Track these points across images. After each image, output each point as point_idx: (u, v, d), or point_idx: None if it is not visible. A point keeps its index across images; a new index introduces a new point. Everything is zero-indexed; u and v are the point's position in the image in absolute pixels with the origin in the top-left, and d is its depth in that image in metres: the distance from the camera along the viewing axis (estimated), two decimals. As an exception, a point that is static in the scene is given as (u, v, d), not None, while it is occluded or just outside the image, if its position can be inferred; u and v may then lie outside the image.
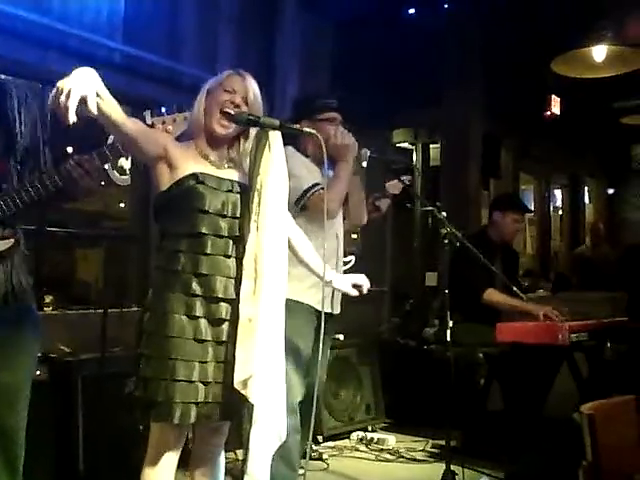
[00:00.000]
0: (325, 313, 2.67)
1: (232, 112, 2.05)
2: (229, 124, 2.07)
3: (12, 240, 2.02)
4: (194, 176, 2.00)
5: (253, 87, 2.12)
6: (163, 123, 2.09)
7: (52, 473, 2.79)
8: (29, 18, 3.54)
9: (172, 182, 2.01)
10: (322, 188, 2.51)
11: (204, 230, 1.97)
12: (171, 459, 2.03)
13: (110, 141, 2.04)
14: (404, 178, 3.28)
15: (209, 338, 1.96)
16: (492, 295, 3.76)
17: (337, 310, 2.75)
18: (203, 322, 1.96)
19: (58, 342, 3.14)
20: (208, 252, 1.97)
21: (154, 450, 2.01)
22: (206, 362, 1.94)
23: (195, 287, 1.95)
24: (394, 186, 3.24)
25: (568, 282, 7.24)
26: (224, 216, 2.00)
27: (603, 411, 1.91)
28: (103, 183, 2.04)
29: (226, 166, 2.10)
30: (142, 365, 1.95)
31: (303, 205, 2.58)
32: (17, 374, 2.11)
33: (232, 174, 2.08)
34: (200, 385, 1.93)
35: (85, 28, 3.83)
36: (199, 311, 1.95)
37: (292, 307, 2.43)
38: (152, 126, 2.07)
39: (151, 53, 4.08)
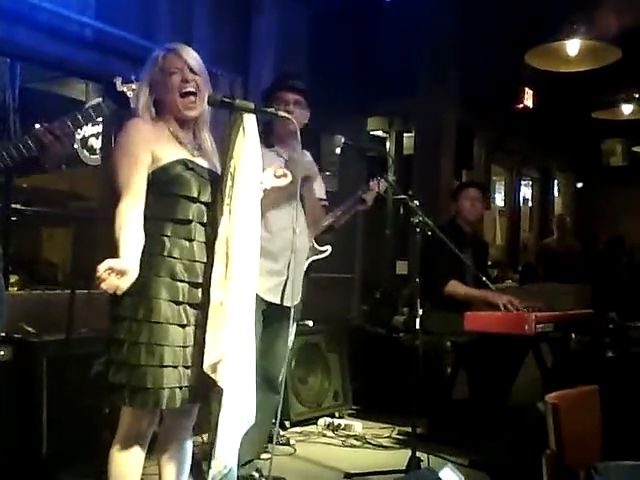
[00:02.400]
0: (273, 304, 2.69)
1: (192, 89, 2.04)
2: (194, 103, 2.05)
3: None
4: (182, 163, 2.00)
5: (191, 55, 2.08)
6: (132, 90, 2.05)
7: (15, 455, 2.74)
8: (-2, -10, 3.45)
9: (156, 167, 1.99)
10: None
11: (191, 217, 1.99)
12: (142, 444, 2.02)
13: (85, 107, 2.00)
14: (388, 177, 3.29)
15: (190, 323, 1.97)
16: (454, 287, 3.81)
17: (289, 302, 2.66)
18: (185, 307, 1.96)
19: (23, 322, 3.09)
20: (193, 238, 1.99)
21: (125, 435, 2.00)
22: (187, 346, 1.95)
23: (180, 272, 1.96)
24: (376, 185, 3.25)
25: (535, 274, 7.34)
26: (204, 203, 2.02)
27: (567, 401, 1.94)
28: (73, 151, 1.99)
29: (196, 153, 2.09)
30: (124, 351, 1.91)
31: None
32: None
33: (203, 161, 2.09)
34: (182, 369, 1.94)
35: (56, 2, 3.74)
36: (182, 296, 1.96)
37: None
38: (123, 94, 2.04)
39: (123, 31, 4.00)
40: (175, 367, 1.93)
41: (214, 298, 1.93)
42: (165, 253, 1.95)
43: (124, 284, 1.80)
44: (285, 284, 2.69)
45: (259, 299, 2.55)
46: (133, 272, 1.83)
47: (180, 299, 1.95)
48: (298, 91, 2.80)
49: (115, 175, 1.96)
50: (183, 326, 1.95)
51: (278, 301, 2.75)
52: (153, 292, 1.93)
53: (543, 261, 7.32)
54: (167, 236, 1.96)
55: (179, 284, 1.95)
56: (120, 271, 1.78)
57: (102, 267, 1.77)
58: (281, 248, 2.69)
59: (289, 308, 2.52)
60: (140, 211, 1.92)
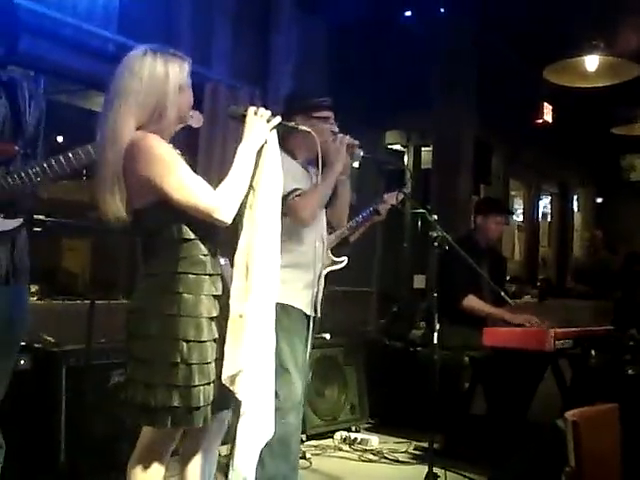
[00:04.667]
0: (310, 316, 2.71)
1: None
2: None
3: (21, 220, 2.03)
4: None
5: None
6: None
7: (33, 464, 2.76)
8: (22, 5, 3.51)
9: None
10: (299, 195, 2.51)
11: (214, 233, 1.98)
12: (164, 460, 2.00)
13: None
14: (404, 190, 3.30)
15: (215, 337, 1.95)
16: (471, 302, 3.80)
17: (318, 313, 2.74)
18: (213, 322, 1.94)
19: (43, 332, 3.11)
20: (215, 253, 1.99)
21: (148, 452, 1.97)
22: (215, 361, 1.93)
23: (213, 288, 1.95)
24: (392, 197, 3.26)
25: (554, 289, 7.28)
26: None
27: (587, 418, 1.91)
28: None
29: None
30: (176, 373, 1.85)
31: (284, 211, 2.57)
32: (2, 362, 2.10)
33: None
34: (212, 385, 1.92)
35: (80, 17, 3.81)
36: (215, 311, 1.94)
37: (290, 311, 2.44)
38: None
39: (145, 45, 4.05)
40: (209, 384, 1.91)
41: (234, 310, 1.93)
42: (207, 272, 1.93)
43: None
44: (316, 296, 2.72)
45: (301, 314, 2.58)
46: None
47: (215, 315, 1.94)
48: (331, 108, 2.82)
49: (166, 188, 1.84)
50: (214, 341, 1.94)
51: (313, 313, 2.76)
52: (198, 311, 1.90)
53: (576, 278, 7.23)
54: (205, 255, 1.94)
55: (213, 300, 1.94)
56: None
57: None
58: (313, 260, 2.70)
59: (312, 318, 2.56)
60: None
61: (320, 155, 2.13)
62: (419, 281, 5.81)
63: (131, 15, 4.09)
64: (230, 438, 1.97)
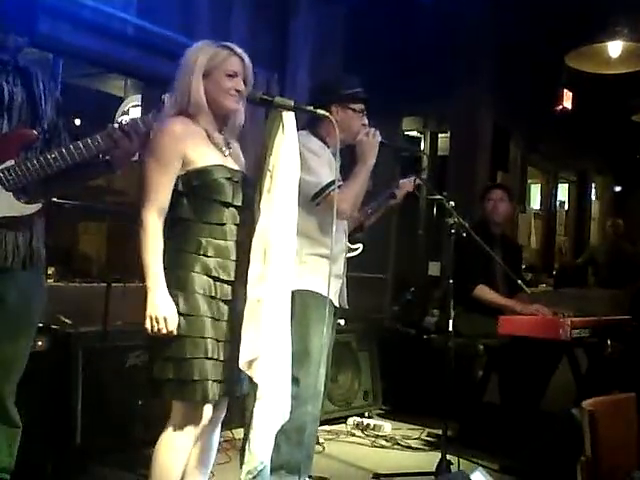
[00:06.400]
0: (336, 307, 2.71)
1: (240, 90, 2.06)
2: (239, 102, 2.07)
3: (39, 205, 2.04)
4: (218, 167, 2.02)
5: (250, 66, 2.10)
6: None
7: (49, 445, 2.79)
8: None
9: (192, 168, 2.00)
10: (338, 186, 2.51)
11: (225, 220, 2.02)
12: (191, 437, 2.03)
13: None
14: (420, 176, 3.27)
15: (223, 318, 2.01)
16: (482, 291, 3.77)
17: (345, 304, 2.78)
18: (219, 302, 2.01)
19: (60, 314, 3.14)
20: (227, 239, 2.03)
21: (179, 426, 2.01)
22: (221, 341, 1.99)
23: (215, 269, 1.99)
24: (409, 183, 3.23)
25: (571, 278, 7.22)
26: (236, 206, 2.05)
27: (604, 407, 1.91)
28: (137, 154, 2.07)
29: (227, 153, 2.10)
30: (169, 345, 1.94)
31: (319, 202, 2.56)
32: (19, 344, 2.13)
33: (233, 163, 2.10)
34: (219, 363, 1.98)
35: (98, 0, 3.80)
36: (216, 292, 2.00)
37: (320, 300, 2.45)
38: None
39: (164, 28, 4.05)
40: (215, 360, 1.97)
41: (251, 295, 1.94)
42: (201, 252, 1.98)
43: (175, 324, 1.92)
44: (342, 287, 2.74)
45: (330, 304, 2.57)
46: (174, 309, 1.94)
47: (214, 294, 1.99)
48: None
49: (144, 177, 1.99)
50: (217, 320, 1.99)
51: (339, 304, 2.76)
52: (190, 287, 1.96)
53: (594, 266, 7.15)
54: (203, 237, 1.99)
55: (213, 281, 1.99)
56: (172, 318, 1.91)
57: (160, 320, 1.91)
58: (339, 251, 2.71)
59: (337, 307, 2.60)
60: (162, 221, 1.99)
61: (338, 142, 2.13)
62: (434, 268, 5.78)
63: (150, -2, 4.08)
64: (246, 422, 1.98)
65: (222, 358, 1.98)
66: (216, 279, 1.99)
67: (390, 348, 4.59)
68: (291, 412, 2.04)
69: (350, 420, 4.13)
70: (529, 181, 8.51)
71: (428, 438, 3.89)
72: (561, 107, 6.55)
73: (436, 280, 5.56)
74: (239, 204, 2.06)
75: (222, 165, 2.03)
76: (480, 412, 3.86)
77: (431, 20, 5.37)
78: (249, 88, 2.09)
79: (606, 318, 3.61)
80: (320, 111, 2.26)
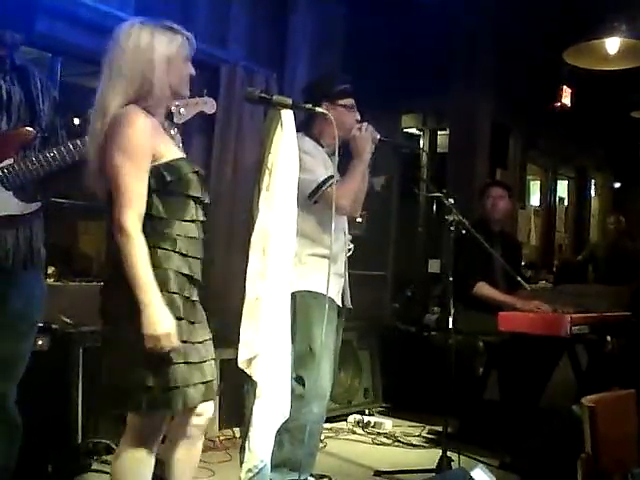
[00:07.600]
0: (340, 306, 2.71)
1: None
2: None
3: (39, 204, 2.04)
4: (184, 162, 1.91)
5: (194, 48, 2.00)
6: (177, 106, 2.08)
7: (50, 444, 2.79)
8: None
9: (160, 162, 1.86)
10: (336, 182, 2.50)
11: (195, 217, 1.92)
12: (154, 447, 1.91)
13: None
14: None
15: (197, 319, 1.91)
16: (482, 289, 3.78)
17: (348, 303, 2.79)
18: (194, 304, 1.91)
19: (60, 313, 3.14)
20: (196, 237, 1.93)
21: (138, 437, 1.88)
22: (200, 342, 1.89)
23: (189, 268, 1.89)
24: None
25: (570, 274, 7.21)
26: (202, 202, 1.96)
27: (604, 404, 1.91)
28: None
29: (180, 145, 2.01)
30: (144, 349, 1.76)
31: (316, 199, 2.56)
32: (20, 344, 2.13)
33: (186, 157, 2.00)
34: (201, 365, 1.88)
35: (96, -1, 3.79)
36: (190, 292, 1.89)
37: (323, 300, 2.44)
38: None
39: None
40: (196, 363, 1.85)
41: (250, 293, 1.93)
42: (177, 250, 1.87)
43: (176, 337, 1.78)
44: (344, 287, 2.74)
45: (333, 303, 2.59)
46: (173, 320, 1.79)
47: (189, 295, 1.88)
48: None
49: (119, 180, 1.80)
50: (192, 322, 1.88)
51: (341, 303, 2.76)
52: (168, 287, 1.83)
53: (595, 262, 7.14)
54: (178, 235, 1.88)
55: (187, 280, 1.88)
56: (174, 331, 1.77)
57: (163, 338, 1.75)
58: (339, 250, 2.71)
59: (342, 307, 2.59)
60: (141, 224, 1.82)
61: (337, 139, 2.12)
62: (434, 265, 5.78)
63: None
64: (245, 421, 1.98)
65: (196, 361, 1.87)
66: (190, 278, 1.89)
67: (390, 346, 4.60)
68: (296, 412, 2.03)
69: (351, 418, 4.13)
70: (528, 178, 8.50)
71: (429, 435, 3.90)
72: (560, 103, 6.55)
73: (436, 277, 5.55)
74: (206, 200, 1.96)
75: (184, 158, 1.93)
76: (480, 409, 3.86)
77: (429, 17, 5.36)
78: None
79: (606, 315, 3.62)
80: (319, 109, 2.26)
